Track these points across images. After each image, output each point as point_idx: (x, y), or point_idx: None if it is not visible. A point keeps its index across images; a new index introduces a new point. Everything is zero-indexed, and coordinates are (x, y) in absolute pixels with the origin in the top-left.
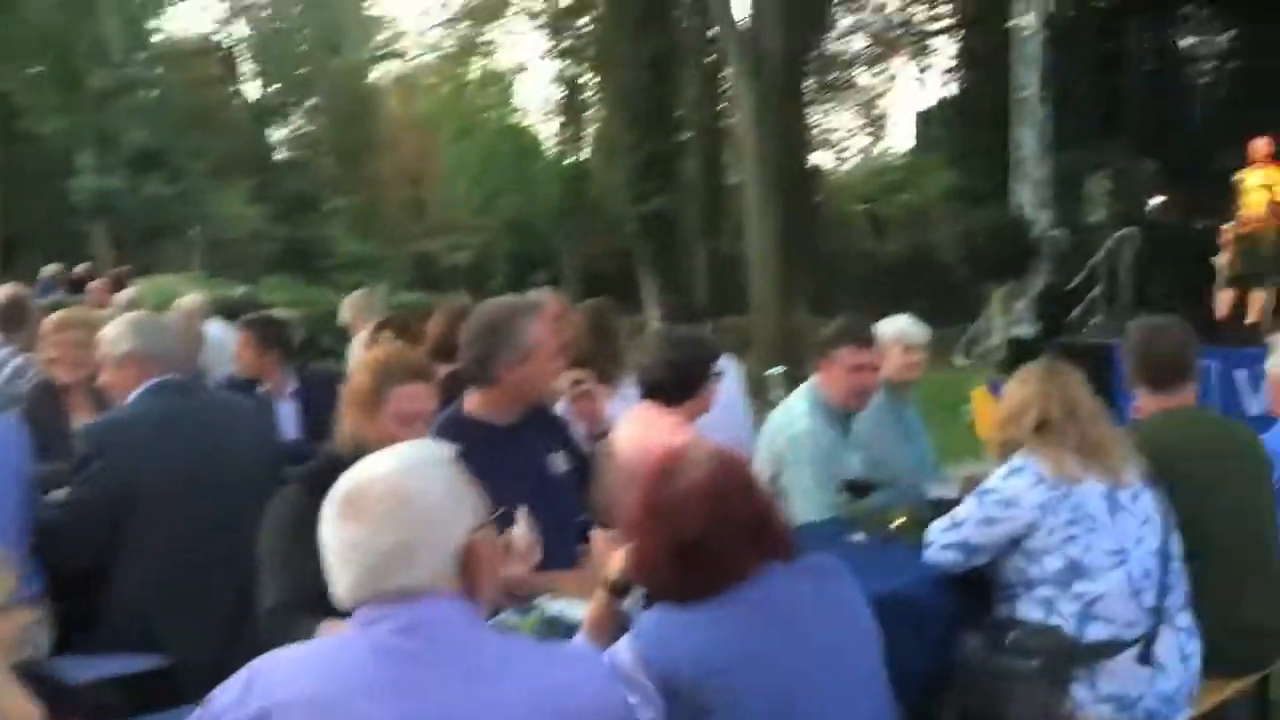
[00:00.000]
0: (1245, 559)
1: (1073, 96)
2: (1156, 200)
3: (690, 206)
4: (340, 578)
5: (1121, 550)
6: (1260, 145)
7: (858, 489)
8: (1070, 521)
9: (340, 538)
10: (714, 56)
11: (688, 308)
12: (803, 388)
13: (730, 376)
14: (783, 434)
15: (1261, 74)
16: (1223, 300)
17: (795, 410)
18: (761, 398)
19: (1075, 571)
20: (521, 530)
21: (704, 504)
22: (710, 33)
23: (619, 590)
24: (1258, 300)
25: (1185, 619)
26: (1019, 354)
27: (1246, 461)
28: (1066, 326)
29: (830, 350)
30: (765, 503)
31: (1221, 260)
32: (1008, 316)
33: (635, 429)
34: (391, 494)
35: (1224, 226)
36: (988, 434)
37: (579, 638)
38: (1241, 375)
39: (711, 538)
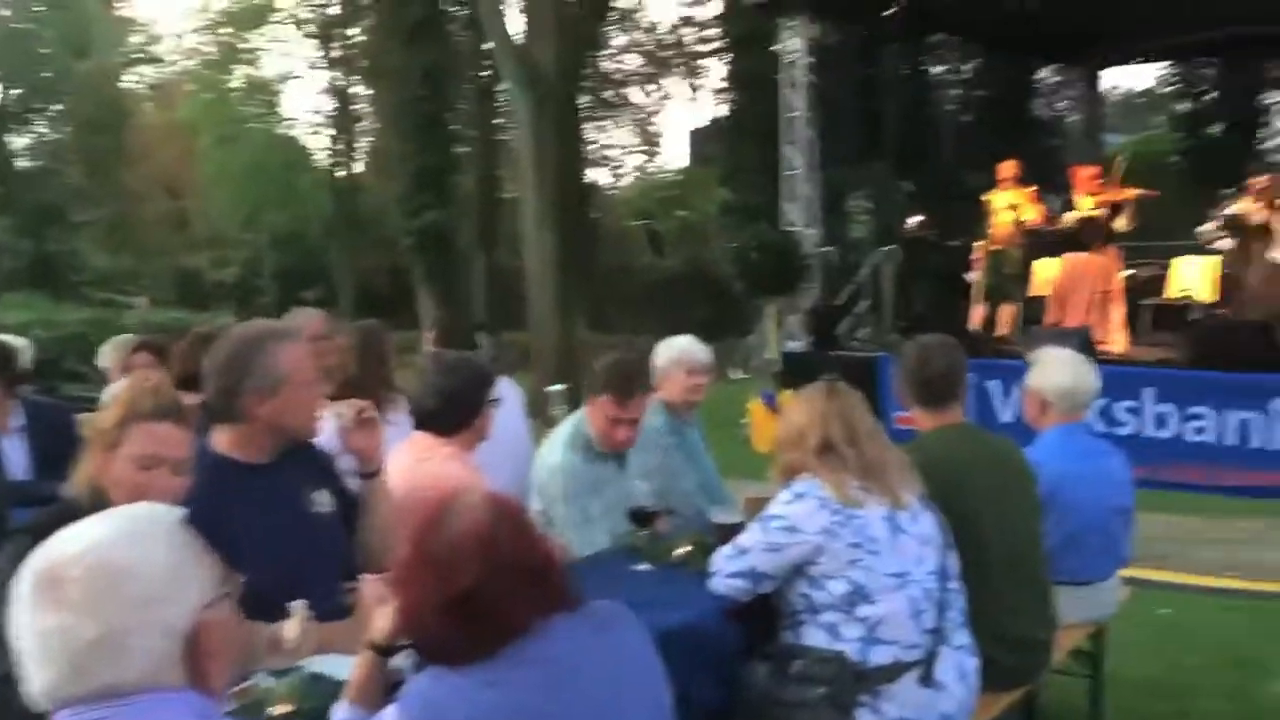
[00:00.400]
0: (1015, 573)
1: (837, 119)
2: (914, 219)
3: (467, 221)
4: (36, 674)
5: (903, 572)
6: (1007, 168)
7: (641, 518)
8: (853, 545)
9: (35, 627)
10: (489, 70)
11: (460, 326)
12: (571, 417)
13: (510, 402)
14: (544, 466)
15: (1002, 102)
16: (975, 314)
17: (556, 441)
18: (542, 414)
19: (859, 595)
20: (294, 625)
21: (478, 552)
22: (485, 46)
23: (387, 650)
24: (1006, 314)
25: (963, 637)
26: (792, 367)
27: (1013, 476)
28: (835, 340)
29: (595, 392)
30: (544, 549)
31: (974, 276)
32: (781, 330)
33: (406, 462)
34: (96, 573)
35: (976, 244)
36: (765, 446)
37: (341, 704)
38: (994, 385)
39: (487, 589)
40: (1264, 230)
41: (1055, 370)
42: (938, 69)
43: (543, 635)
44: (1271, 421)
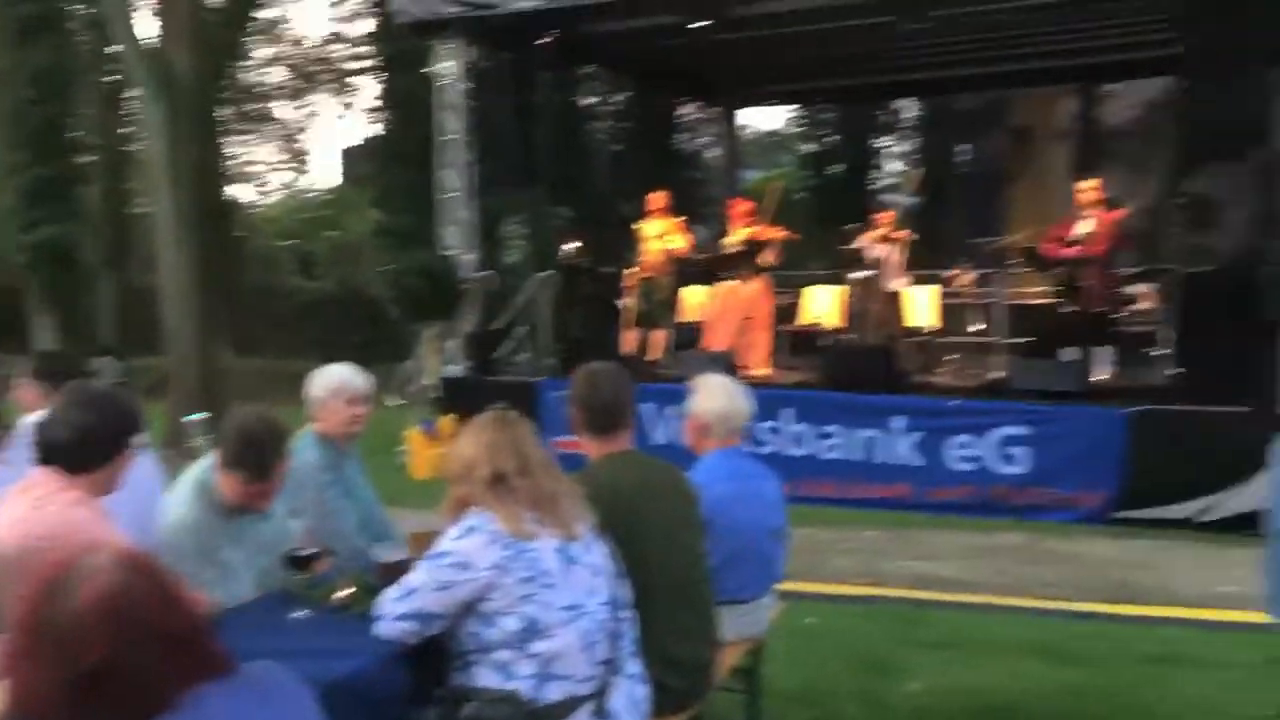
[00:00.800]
0: (682, 596)
1: (493, 144)
2: (570, 246)
3: (93, 237)
4: None
5: (576, 605)
6: (656, 199)
7: (299, 562)
8: (526, 579)
9: None
10: (117, 75)
11: (65, 356)
12: (199, 465)
13: (147, 459)
14: (171, 522)
15: (649, 134)
16: (628, 339)
17: (182, 492)
18: (178, 446)
19: (532, 631)
20: None
21: (108, 621)
22: (110, 49)
23: None
24: (657, 339)
25: (634, 666)
26: (451, 393)
27: (679, 501)
28: (494, 365)
29: (224, 463)
30: (188, 609)
31: (626, 302)
32: (439, 356)
33: (21, 507)
34: None
35: (628, 271)
36: (423, 474)
37: None
38: (648, 408)
39: (122, 663)
40: (884, 262)
41: (712, 396)
42: (590, 99)
43: (193, 709)
44: (892, 438)
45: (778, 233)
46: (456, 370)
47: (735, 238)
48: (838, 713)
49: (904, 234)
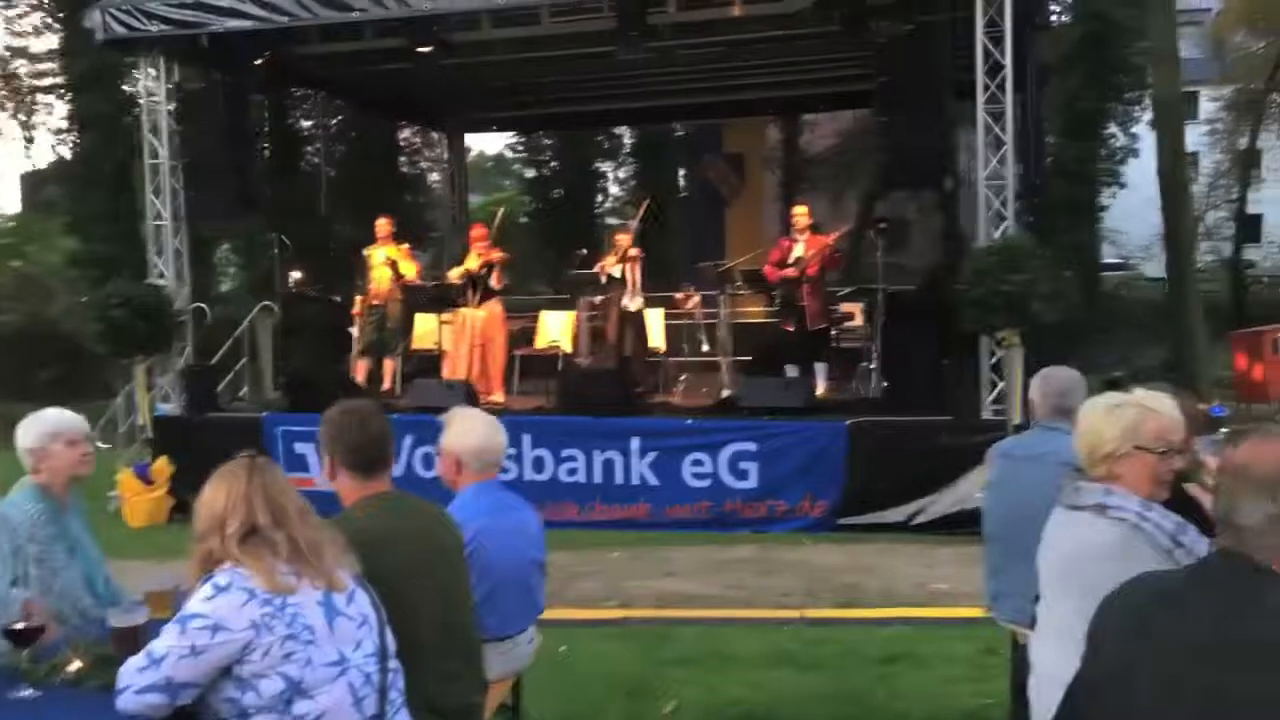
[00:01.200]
0: (447, 641)
1: (204, 168)
2: (292, 274)
3: None
4: None
5: (342, 659)
6: (383, 224)
7: (19, 636)
8: (287, 637)
9: None
10: None
11: None
12: None
13: None
14: None
15: (370, 158)
16: (359, 368)
17: None
18: None
19: (295, 692)
20: None
21: None
22: None
23: None
24: (389, 368)
25: (403, 718)
26: (166, 432)
27: (443, 542)
28: (214, 401)
29: None
30: None
31: (355, 331)
32: (152, 393)
33: None
34: None
35: (357, 299)
36: (140, 521)
37: None
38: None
39: None
40: (621, 282)
41: (466, 431)
42: (309, 123)
43: None
44: (630, 460)
45: (501, 255)
46: (171, 408)
47: (468, 264)
48: None
49: (638, 254)
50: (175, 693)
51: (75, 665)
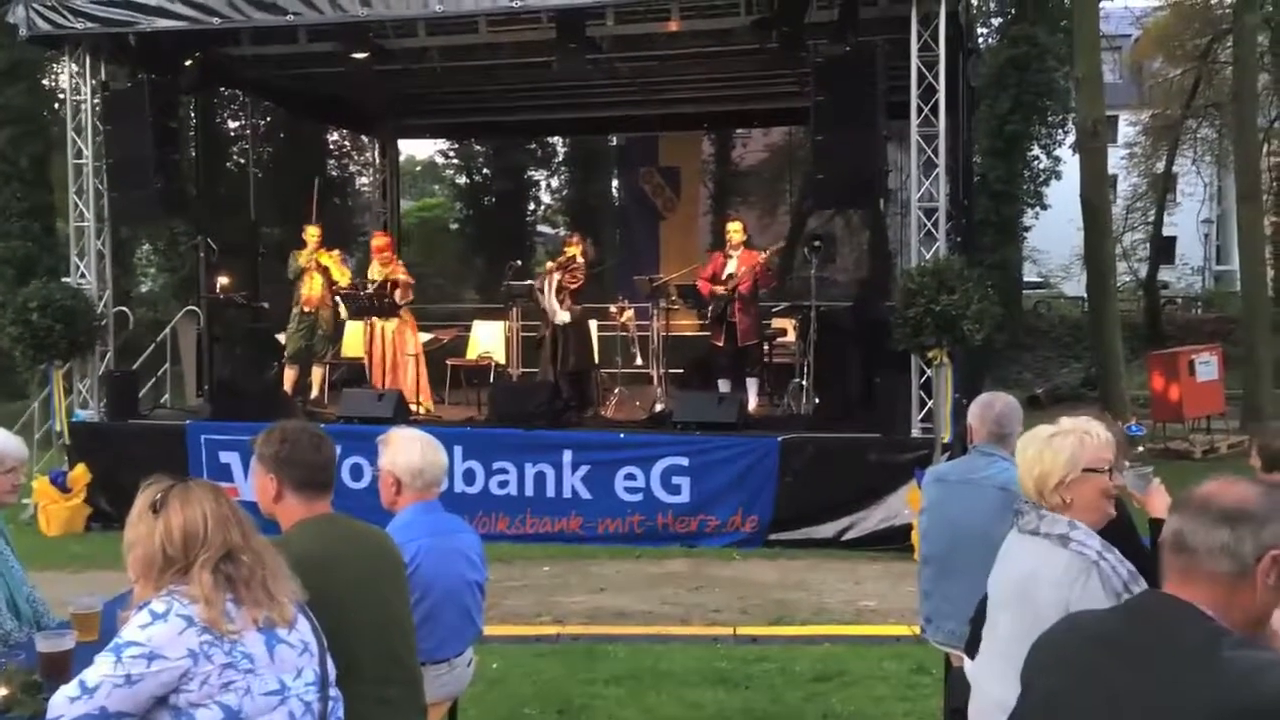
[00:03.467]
0: (387, 667)
1: (128, 169)
2: (219, 279)
3: None
4: None
5: (282, 688)
6: (313, 231)
7: None
8: (227, 666)
9: None
10: None
11: None
12: None
13: None
14: None
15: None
16: (288, 376)
17: None
18: None
19: None
20: None
21: None
22: None
23: None
24: (317, 376)
25: None
26: (84, 440)
27: (384, 567)
28: (135, 408)
29: None
30: None
31: (283, 338)
32: (70, 398)
33: None
34: None
35: (290, 306)
36: (56, 531)
37: None
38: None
39: None
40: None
41: (405, 450)
42: (237, 125)
43: None
44: (562, 473)
45: (406, 278)
46: (90, 414)
47: (374, 274)
48: None
49: (576, 266)
50: None
51: (1, 693)
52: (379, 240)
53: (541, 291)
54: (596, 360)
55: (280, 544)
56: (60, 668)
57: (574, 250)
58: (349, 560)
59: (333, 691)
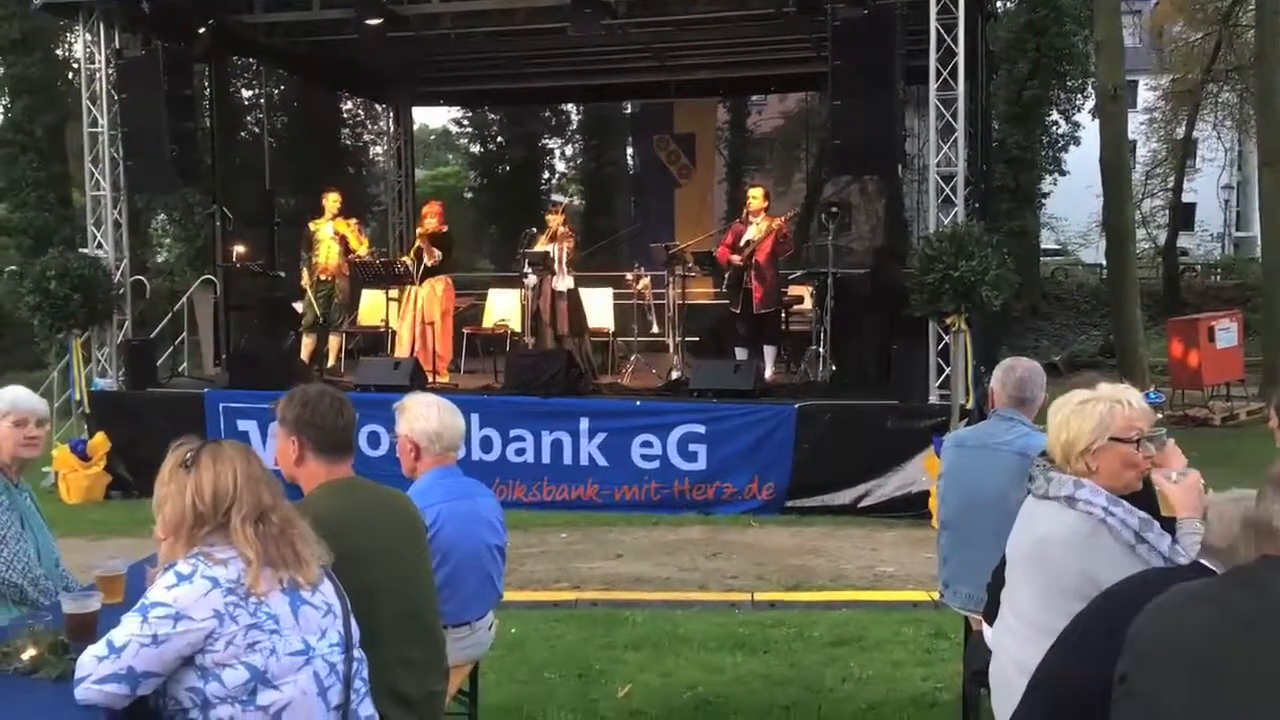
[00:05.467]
0: (409, 628)
1: (144, 138)
2: (236, 248)
3: None
4: None
5: (306, 649)
6: (332, 198)
7: None
8: (252, 626)
9: None
10: None
11: None
12: None
13: None
14: None
15: (314, 130)
16: (305, 344)
17: None
18: None
19: (260, 681)
20: None
21: None
22: None
23: None
24: (334, 344)
25: (368, 708)
26: (103, 408)
27: (406, 530)
28: (154, 376)
29: None
30: None
31: (300, 306)
32: (88, 367)
33: None
34: None
35: (304, 273)
36: (76, 499)
37: None
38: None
39: None
40: (552, 261)
41: (422, 415)
42: (248, 92)
43: None
44: (579, 440)
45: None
46: (108, 383)
47: (417, 241)
48: None
49: (568, 233)
50: (136, 682)
51: (29, 653)
52: (429, 207)
53: (544, 258)
54: (610, 327)
55: (303, 506)
56: (86, 629)
57: (558, 219)
58: (371, 522)
59: (357, 653)
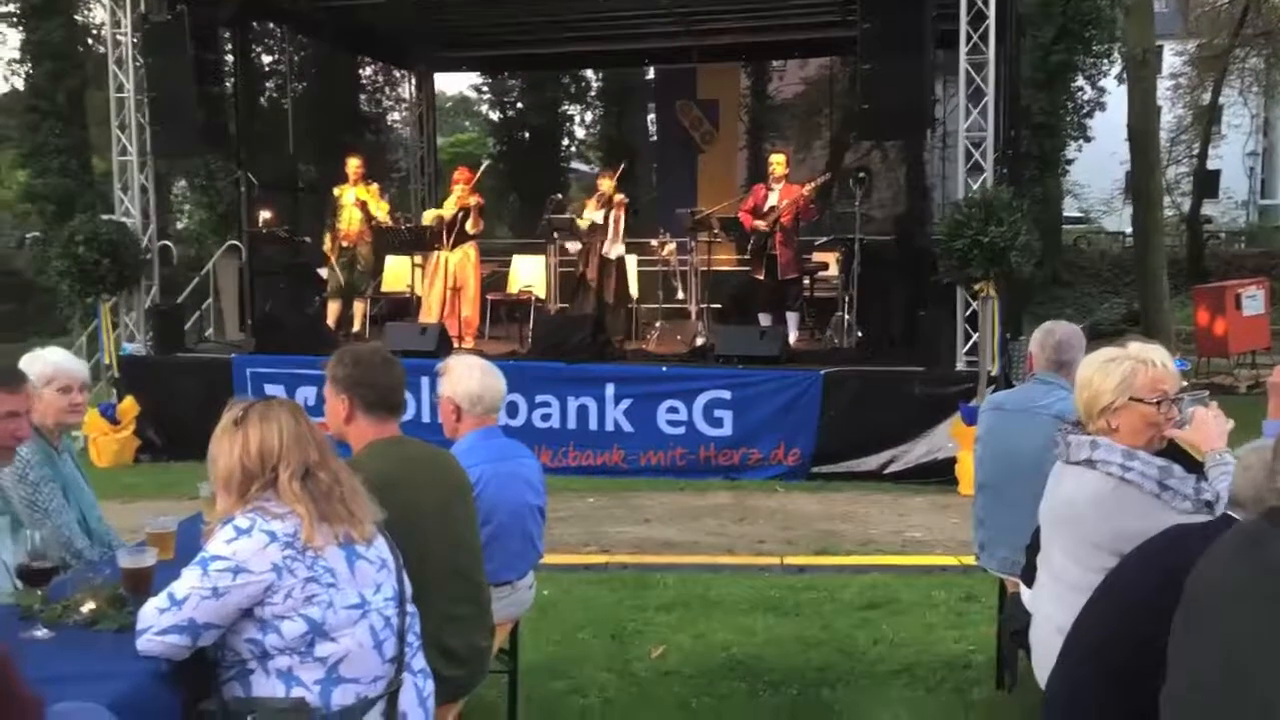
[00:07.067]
0: (457, 585)
1: (171, 104)
2: (261, 213)
3: None
4: None
5: (362, 603)
6: (354, 164)
7: (33, 575)
8: (309, 580)
9: None
10: None
11: None
12: None
13: None
14: None
15: (334, 96)
16: (331, 310)
17: None
18: None
19: (317, 633)
20: None
21: None
22: None
23: None
24: (359, 310)
25: (420, 661)
26: (132, 373)
27: (451, 486)
28: (182, 341)
29: None
30: None
31: (325, 272)
32: (117, 332)
33: None
34: None
35: (327, 239)
36: (107, 462)
37: None
38: None
39: None
40: (603, 228)
41: (463, 377)
42: (268, 58)
43: None
44: (605, 406)
45: (478, 200)
46: (137, 348)
47: (446, 206)
48: (590, 682)
49: (623, 201)
50: (197, 633)
51: (89, 606)
52: (459, 174)
53: (591, 226)
54: (635, 293)
55: (353, 464)
56: (143, 583)
57: (610, 185)
58: (419, 480)
59: (410, 607)
